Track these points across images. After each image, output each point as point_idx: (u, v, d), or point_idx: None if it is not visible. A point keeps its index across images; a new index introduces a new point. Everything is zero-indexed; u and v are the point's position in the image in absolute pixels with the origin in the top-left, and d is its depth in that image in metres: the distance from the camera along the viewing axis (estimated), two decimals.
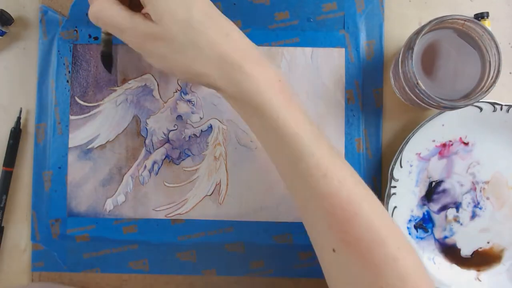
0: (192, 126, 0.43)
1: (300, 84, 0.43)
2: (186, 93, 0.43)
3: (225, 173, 0.42)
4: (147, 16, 0.32)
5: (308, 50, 0.43)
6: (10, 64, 0.43)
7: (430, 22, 0.35)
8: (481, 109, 0.40)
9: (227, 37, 0.32)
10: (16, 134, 0.42)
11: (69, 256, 0.42)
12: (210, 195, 0.43)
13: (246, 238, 0.42)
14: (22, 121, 0.43)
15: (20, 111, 0.43)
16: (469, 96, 0.36)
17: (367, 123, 0.43)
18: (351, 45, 0.42)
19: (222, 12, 0.42)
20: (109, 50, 0.40)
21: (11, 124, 0.43)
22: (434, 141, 0.42)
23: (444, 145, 0.42)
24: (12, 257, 0.43)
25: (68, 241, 0.42)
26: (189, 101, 0.43)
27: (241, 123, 0.43)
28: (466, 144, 0.42)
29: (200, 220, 0.42)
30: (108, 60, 0.40)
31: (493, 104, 0.40)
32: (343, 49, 0.42)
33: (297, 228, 0.42)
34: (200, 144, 0.43)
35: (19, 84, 0.43)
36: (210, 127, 0.43)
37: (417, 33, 0.35)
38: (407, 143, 0.40)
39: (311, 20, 0.43)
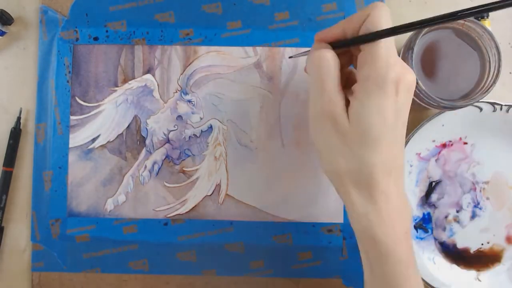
0: (192, 126, 0.43)
1: (300, 85, 0.43)
2: (186, 93, 0.43)
3: (225, 173, 0.42)
4: (348, 101, 0.31)
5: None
6: (10, 64, 0.43)
7: None
8: (481, 109, 0.40)
9: (390, 176, 0.30)
10: (16, 134, 0.42)
11: (69, 256, 0.42)
12: (210, 195, 0.43)
13: (246, 238, 0.42)
14: (22, 121, 0.43)
15: (20, 111, 0.43)
16: (469, 96, 0.36)
17: None
18: None
19: (222, 13, 0.43)
20: None
21: (11, 124, 0.43)
22: (434, 141, 0.42)
23: (444, 145, 0.42)
24: (12, 257, 0.43)
25: (68, 241, 0.42)
26: (189, 101, 0.43)
27: (241, 124, 0.43)
28: (466, 144, 0.42)
29: (200, 220, 0.42)
30: None
31: (493, 104, 0.40)
32: None
33: (297, 228, 0.42)
34: (200, 144, 0.43)
35: (19, 84, 0.43)
36: (210, 127, 0.43)
37: (417, 33, 0.35)
38: (407, 143, 0.40)
39: (311, 20, 0.43)
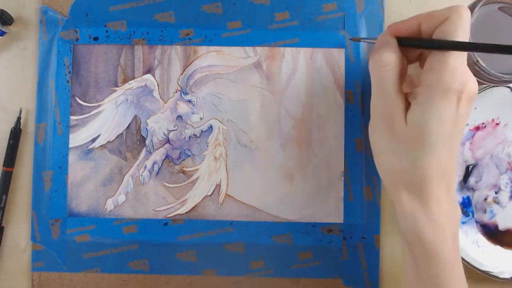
0: (192, 126, 0.43)
1: (300, 85, 0.43)
2: (186, 93, 0.43)
3: (225, 173, 0.42)
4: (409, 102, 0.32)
5: (308, 50, 0.43)
6: (10, 64, 0.43)
7: None
8: (511, 89, 0.41)
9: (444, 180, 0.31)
10: (16, 134, 0.42)
11: (69, 256, 0.42)
12: (210, 195, 0.43)
13: (246, 238, 0.42)
14: (22, 121, 0.43)
15: (20, 111, 0.43)
16: None
17: (367, 123, 0.42)
18: (351, 45, 0.43)
19: (222, 13, 0.43)
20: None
21: (11, 124, 0.43)
22: (467, 124, 0.42)
23: (477, 128, 0.42)
24: (12, 257, 0.43)
25: (68, 241, 0.42)
26: (189, 101, 0.43)
27: (241, 123, 0.43)
28: (498, 125, 0.42)
29: (200, 220, 0.42)
30: None
31: None
32: (343, 50, 0.43)
33: (297, 228, 0.42)
34: (200, 144, 0.43)
35: (19, 84, 0.43)
36: (210, 127, 0.43)
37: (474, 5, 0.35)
38: None
39: (311, 20, 0.43)
